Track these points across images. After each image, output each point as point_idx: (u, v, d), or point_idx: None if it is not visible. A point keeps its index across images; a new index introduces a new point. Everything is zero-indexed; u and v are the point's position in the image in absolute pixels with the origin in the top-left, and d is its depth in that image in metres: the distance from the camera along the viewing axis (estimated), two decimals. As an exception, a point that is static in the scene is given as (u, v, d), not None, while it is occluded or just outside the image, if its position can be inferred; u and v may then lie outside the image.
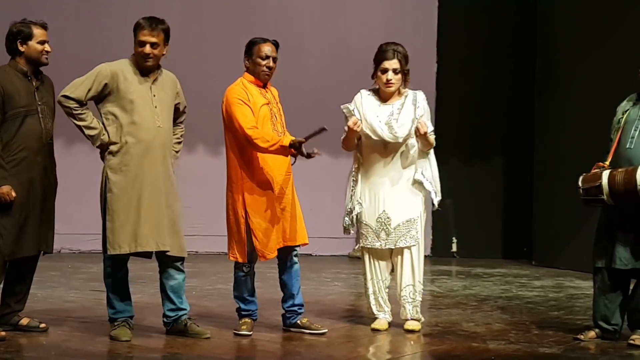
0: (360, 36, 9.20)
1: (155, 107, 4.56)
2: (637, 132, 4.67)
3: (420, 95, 4.99)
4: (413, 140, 4.94)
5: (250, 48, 4.80)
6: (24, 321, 4.65)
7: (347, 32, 9.37)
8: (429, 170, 5.03)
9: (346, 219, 5.03)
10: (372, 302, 5.00)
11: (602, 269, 4.75)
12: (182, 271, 4.70)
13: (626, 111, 4.78)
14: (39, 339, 4.54)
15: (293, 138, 4.64)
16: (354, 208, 4.98)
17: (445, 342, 4.72)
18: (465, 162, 9.68)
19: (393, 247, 4.93)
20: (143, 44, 4.53)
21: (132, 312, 4.66)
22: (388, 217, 4.92)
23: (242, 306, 4.86)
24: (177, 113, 4.81)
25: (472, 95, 9.60)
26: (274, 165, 4.75)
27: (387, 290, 5.03)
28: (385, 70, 4.89)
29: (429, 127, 4.91)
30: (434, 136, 4.99)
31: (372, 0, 9.61)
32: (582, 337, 4.79)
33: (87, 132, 4.53)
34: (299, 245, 4.89)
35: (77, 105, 4.50)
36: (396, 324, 5.04)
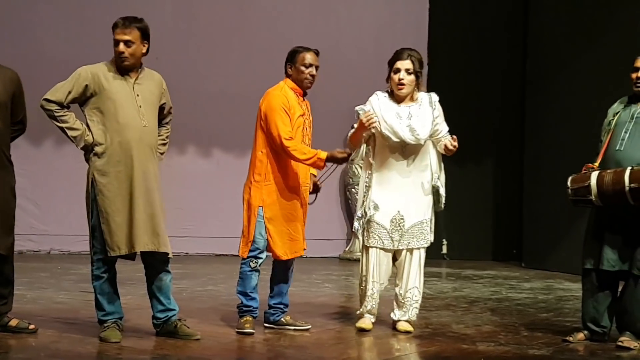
0: (352, 38, 9.22)
1: (140, 106, 4.53)
2: (627, 134, 4.69)
3: (435, 97, 5.00)
4: (430, 142, 4.95)
5: (294, 56, 4.88)
6: (13, 322, 4.61)
7: (338, 34, 9.38)
8: (443, 175, 5.07)
9: (356, 224, 5.05)
10: (368, 301, 4.97)
11: (591, 271, 4.77)
12: (169, 272, 4.69)
13: (617, 113, 4.80)
14: (28, 340, 4.51)
15: (329, 152, 4.73)
16: (368, 211, 4.96)
17: (435, 344, 4.73)
18: (455, 164, 9.64)
19: (405, 248, 4.93)
20: (117, 42, 4.51)
21: (121, 314, 4.65)
22: (402, 218, 4.93)
23: (244, 301, 4.87)
24: (162, 114, 4.75)
25: (462, 97, 9.62)
26: (302, 175, 4.86)
27: (380, 293, 5.03)
28: (397, 70, 4.89)
29: (445, 130, 4.96)
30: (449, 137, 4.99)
31: (364, 3, 9.63)
32: (570, 339, 4.80)
33: (70, 133, 4.49)
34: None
35: (57, 108, 4.46)
36: (385, 325, 5.04)
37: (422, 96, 4.98)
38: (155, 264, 4.62)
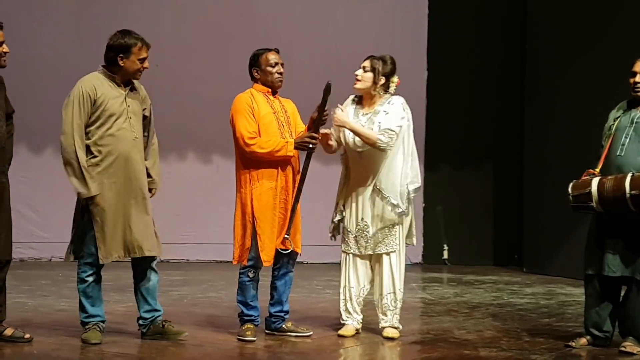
0: (351, 44, 9.22)
1: (130, 118, 4.64)
2: (628, 140, 4.69)
3: (396, 100, 4.93)
4: (397, 149, 4.92)
5: (257, 59, 4.90)
6: (8, 331, 4.59)
7: (337, 39, 9.39)
8: (386, 177, 4.91)
9: (331, 226, 5.11)
10: (342, 307, 5.04)
11: (593, 276, 4.76)
12: (157, 272, 4.79)
13: (617, 118, 4.80)
14: (30, 348, 4.50)
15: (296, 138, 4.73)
16: (335, 217, 5.06)
17: (436, 350, 4.72)
18: (455, 169, 9.71)
19: (372, 253, 4.95)
20: (144, 60, 4.66)
21: (103, 317, 4.74)
22: (366, 224, 4.96)
23: (245, 311, 4.87)
24: (145, 121, 4.80)
25: (462, 101, 9.64)
26: (281, 175, 4.84)
27: (361, 298, 5.03)
28: (359, 68, 4.98)
29: (387, 124, 4.82)
30: (383, 136, 4.79)
31: (362, 8, 9.64)
32: (573, 344, 4.79)
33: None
34: (297, 254, 4.97)
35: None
36: (376, 331, 5.04)
37: (385, 102, 4.93)
38: (145, 264, 4.73)
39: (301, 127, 4.99)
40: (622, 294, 4.82)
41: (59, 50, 8.86)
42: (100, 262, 4.61)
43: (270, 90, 4.91)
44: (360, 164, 4.96)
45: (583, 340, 4.80)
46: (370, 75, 4.92)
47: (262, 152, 4.74)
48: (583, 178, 4.74)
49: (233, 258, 4.91)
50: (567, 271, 8.08)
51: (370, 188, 4.96)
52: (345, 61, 9.33)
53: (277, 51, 4.94)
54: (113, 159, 4.58)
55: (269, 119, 4.83)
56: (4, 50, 4.46)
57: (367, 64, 4.95)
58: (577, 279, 7.98)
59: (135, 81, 4.75)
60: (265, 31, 9.17)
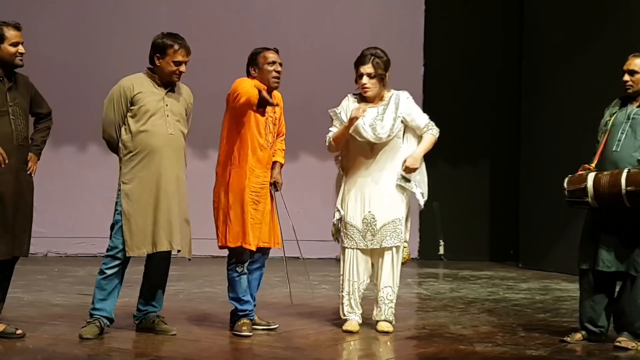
0: (347, 40, 9.21)
1: (167, 115, 4.72)
2: (624, 135, 4.70)
3: (403, 95, 5.05)
4: (399, 141, 5.01)
5: (255, 58, 4.91)
6: (0, 327, 4.59)
7: (334, 35, 9.39)
8: (421, 174, 5.13)
9: (333, 229, 5.11)
10: (345, 302, 5.03)
11: (587, 271, 4.77)
12: (167, 271, 4.88)
13: (613, 114, 4.81)
14: (25, 343, 4.50)
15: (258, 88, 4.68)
16: (334, 215, 5.07)
17: (432, 345, 4.73)
18: (452, 165, 9.71)
19: (378, 247, 4.95)
20: (180, 63, 4.74)
21: (110, 314, 4.75)
22: (374, 218, 4.96)
23: (239, 306, 4.88)
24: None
25: (458, 97, 9.64)
26: (257, 173, 4.85)
27: (361, 293, 5.05)
28: (361, 75, 4.97)
29: (424, 120, 5.04)
30: (432, 131, 5.06)
31: (359, 4, 9.64)
32: (568, 339, 4.81)
33: None
34: (268, 250, 4.99)
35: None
36: (372, 326, 5.05)
37: (391, 96, 5.03)
38: (158, 261, 4.81)
39: (282, 125, 5.02)
40: (617, 289, 4.83)
41: (56, 46, 8.84)
42: (127, 254, 4.66)
43: (265, 88, 4.88)
44: (371, 157, 4.97)
45: (578, 336, 4.81)
46: (375, 80, 4.95)
47: (241, 100, 4.60)
48: (579, 173, 4.75)
49: (218, 240, 4.92)
50: (563, 267, 8.10)
51: (380, 181, 4.97)
52: (342, 56, 9.32)
53: (277, 51, 4.95)
54: (145, 153, 4.66)
55: (259, 119, 4.83)
56: (20, 50, 4.50)
57: (370, 69, 4.93)
58: (572, 274, 7.97)
59: (179, 83, 4.85)
60: (262, 26, 9.17)
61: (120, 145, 4.72)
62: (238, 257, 4.85)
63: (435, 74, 9.63)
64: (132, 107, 4.68)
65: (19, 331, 4.61)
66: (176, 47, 4.70)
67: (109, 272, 4.70)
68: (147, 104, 4.68)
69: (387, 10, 9.65)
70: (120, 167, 4.75)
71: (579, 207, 4.80)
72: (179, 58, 4.72)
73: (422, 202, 5.12)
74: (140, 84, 4.72)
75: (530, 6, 9.20)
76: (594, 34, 8.13)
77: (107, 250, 4.73)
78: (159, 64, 4.72)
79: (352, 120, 4.88)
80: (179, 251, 4.80)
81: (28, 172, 4.61)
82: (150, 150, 4.66)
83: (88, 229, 8.77)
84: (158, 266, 4.84)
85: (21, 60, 4.52)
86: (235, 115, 4.81)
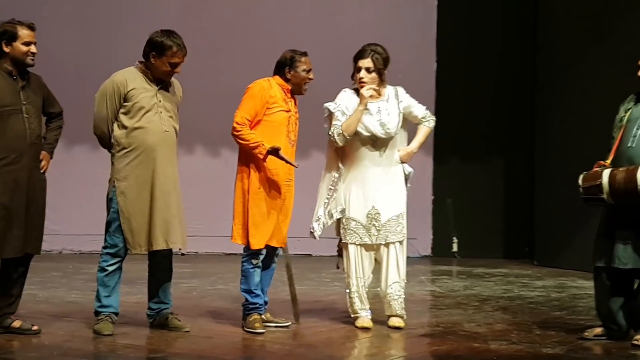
0: (359, 35, 9.12)
1: (161, 112, 4.71)
2: (640, 131, 4.66)
3: (401, 90, 5.09)
4: (399, 136, 5.05)
5: (294, 61, 4.93)
6: (16, 324, 4.62)
7: (345, 31, 9.35)
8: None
9: (315, 225, 5.04)
10: (356, 300, 5.02)
11: (603, 269, 4.73)
12: (171, 268, 4.90)
13: (629, 109, 4.77)
14: (41, 339, 4.52)
15: (274, 146, 4.75)
16: (334, 213, 5.02)
17: (446, 343, 4.70)
18: (465, 161, 9.67)
19: (383, 242, 4.94)
20: (176, 65, 4.70)
21: (117, 309, 4.79)
22: (378, 213, 4.96)
23: (250, 299, 4.88)
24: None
25: (472, 93, 9.58)
26: (280, 169, 4.85)
27: (367, 288, 5.05)
28: (359, 69, 4.98)
29: (421, 110, 5.11)
30: (429, 122, 5.13)
31: (370, 1, 9.59)
32: (587, 334, 4.77)
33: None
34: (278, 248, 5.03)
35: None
36: (383, 323, 5.03)
37: (389, 91, 5.05)
38: (160, 258, 4.83)
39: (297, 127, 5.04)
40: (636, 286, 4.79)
41: (64, 44, 8.86)
42: (130, 252, 4.69)
43: (289, 89, 4.92)
44: (373, 152, 4.97)
45: (597, 330, 4.77)
46: (374, 75, 4.96)
47: (241, 142, 4.79)
48: (594, 170, 4.72)
49: (232, 236, 4.93)
50: (579, 264, 8.04)
51: (383, 176, 4.98)
52: (352, 53, 9.34)
53: (306, 55, 5.01)
54: (141, 151, 4.66)
55: (282, 117, 4.86)
56: (32, 50, 4.51)
57: (369, 63, 4.95)
58: (588, 271, 7.89)
59: (173, 79, 4.82)
60: (272, 24, 9.16)
61: (112, 141, 4.70)
62: (254, 250, 4.84)
63: (448, 70, 9.58)
64: (125, 104, 4.66)
65: (34, 327, 4.64)
66: (174, 49, 4.66)
67: (110, 268, 4.73)
68: (141, 100, 4.66)
69: (399, 5, 9.60)
70: (113, 163, 4.73)
71: (594, 204, 4.76)
72: (176, 60, 4.69)
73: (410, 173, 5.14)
74: (133, 80, 4.68)
75: (545, 1, 9.14)
76: (609, 29, 8.06)
77: (105, 247, 4.73)
78: (154, 62, 4.68)
79: (365, 100, 4.87)
80: (183, 254, 4.82)
81: (41, 171, 4.62)
82: (146, 147, 4.65)
83: (102, 226, 8.72)
84: (162, 264, 4.85)
85: (32, 59, 4.52)
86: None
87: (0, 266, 4.59)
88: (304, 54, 4.96)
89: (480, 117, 9.57)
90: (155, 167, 4.67)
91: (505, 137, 9.70)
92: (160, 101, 4.71)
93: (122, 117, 4.67)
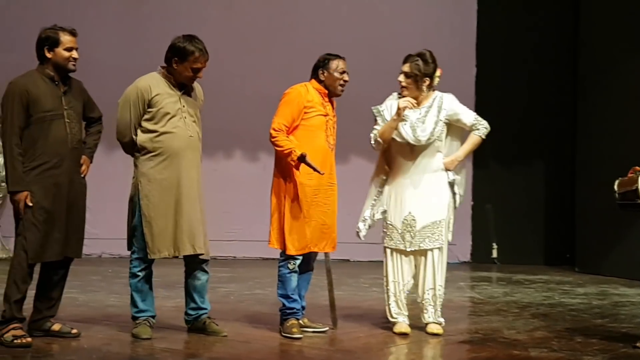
0: (398, 40, 9.14)
1: (185, 117, 4.72)
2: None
3: (447, 97, 5.02)
4: (441, 144, 4.99)
5: (328, 63, 4.94)
6: (56, 327, 4.67)
7: (383, 36, 9.33)
8: (462, 175, 5.12)
9: (360, 224, 5.06)
10: (393, 304, 5.00)
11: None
12: (207, 272, 4.88)
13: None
14: (80, 343, 4.57)
15: (302, 152, 4.74)
16: (376, 214, 5.03)
17: (485, 349, 4.65)
18: (506, 167, 9.57)
19: (417, 249, 4.91)
20: (198, 70, 4.70)
21: (153, 312, 4.81)
22: (413, 219, 4.94)
23: (287, 304, 4.88)
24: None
25: (512, 98, 9.49)
26: (316, 173, 4.82)
27: (407, 294, 5.01)
28: (400, 73, 4.98)
29: (470, 118, 5.00)
30: (479, 131, 5.01)
31: (410, 3, 9.56)
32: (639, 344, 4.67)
33: None
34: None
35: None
36: (422, 329, 4.99)
37: (433, 99, 5.00)
38: (194, 264, 4.81)
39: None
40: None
41: (110, 50, 8.98)
42: (149, 257, 4.68)
43: (327, 92, 4.93)
44: (411, 158, 4.95)
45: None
46: (411, 80, 4.94)
47: (276, 148, 4.79)
48: (629, 175, 4.65)
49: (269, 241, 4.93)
50: (621, 271, 7.90)
51: (420, 182, 4.95)
52: (391, 57, 9.24)
53: (344, 59, 5.01)
54: (166, 156, 4.67)
55: (320, 121, 4.87)
56: (73, 55, 4.56)
57: (407, 68, 4.95)
58: (631, 278, 7.80)
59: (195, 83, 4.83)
60: (310, 28, 9.17)
61: (137, 146, 4.70)
62: (291, 254, 4.83)
63: (488, 75, 9.50)
64: (149, 110, 4.67)
65: (74, 330, 4.68)
66: (197, 54, 4.67)
67: (141, 274, 4.75)
68: (166, 106, 4.67)
69: (438, 10, 9.55)
70: (137, 166, 4.74)
71: (631, 210, 4.70)
72: (199, 65, 4.70)
73: (457, 203, 5.07)
74: (156, 85, 4.70)
75: (586, 5, 9.01)
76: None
77: (133, 252, 4.74)
78: (176, 67, 4.70)
79: (400, 111, 4.85)
80: (202, 259, 4.77)
81: (81, 175, 4.67)
82: (172, 152, 4.66)
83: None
84: (196, 269, 4.82)
85: (74, 65, 4.57)
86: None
87: (41, 269, 4.66)
88: (338, 56, 4.95)
89: (520, 122, 9.47)
90: (181, 172, 4.68)
91: (546, 142, 9.58)
92: (184, 106, 4.73)
93: (146, 123, 4.68)
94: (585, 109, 8.92)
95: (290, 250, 4.81)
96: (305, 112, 4.83)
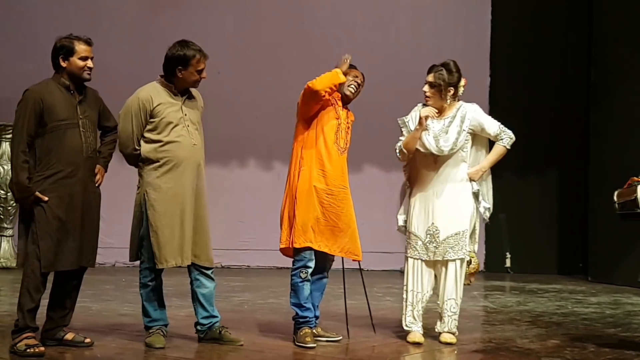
0: (412, 50, 9.18)
1: (188, 125, 4.74)
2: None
3: (470, 107, 5.03)
4: (464, 154, 4.97)
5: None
6: (69, 336, 4.68)
7: (398, 46, 9.36)
8: (487, 186, 5.16)
9: (400, 217, 5.12)
10: (408, 313, 5.00)
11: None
12: (213, 279, 4.87)
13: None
14: (93, 352, 4.58)
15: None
16: (398, 220, 5.08)
17: (499, 358, 4.64)
18: (519, 176, 9.55)
19: (441, 259, 4.91)
20: (201, 71, 4.74)
21: (166, 321, 4.82)
22: (437, 229, 4.93)
23: (300, 312, 4.88)
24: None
25: (526, 107, 9.49)
26: (329, 172, 4.85)
27: (424, 304, 5.01)
28: (425, 83, 4.99)
29: (494, 127, 5.02)
30: (504, 141, 5.03)
31: (424, 14, 9.59)
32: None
33: None
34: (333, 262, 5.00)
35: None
36: (435, 338, 4.98)
37: (458, 109, 5.01)
38: (201, 272, 4.81)
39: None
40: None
41: (124, 59, 9.04)
42: (157, 267, 4.68)
43: (340, 97, 4.96)
44: (435, 169, 4.96)
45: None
46: (435, 90, 4.95)
47: (319, 81, 4.74)
48: (627, 186, 4.67)
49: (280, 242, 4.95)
50: (634, 280, 7.86)
51: (443, 193, 4.95)
52: (406, 66, 9.34)
53: (356, 68, 5.05)
54: (172, 165, 4.68)
55: (332, 124, 4.89)
56: (88, 64, 4.59)
57: (431, 78, 4.96)
58: (645, 288, 7.77)
59: (192, 89, 4.84)
60: (326, 38, 9.20)
61: (141, 157, 4.71)
62: (303, 262, 4.84)
63: (502, 85, 9.50)
64: (152, 120, 4.68)
65: (87, 340, 4.69)
66: (198, 56, 4.70)
67: (151, 284, 4.75)
68: (168, 115, 4.69)
69: (452, 20, 9.57)
70: (142, 175, 4.74)
71: (632, 219, 4.72)
72: (202, 66, 4.73)
73: (487, 216, 5.09)
74: (158, 95, 4.72)
75: (599, 15, 9.00)
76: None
77: (142, 262, 4.74)
78: (181, 76, 4.71)
79: (422, 120, 4.86)
80: (207, 267, 4.78)
81: (96, 184, 4.70)
82: (177, 161, 4.67)
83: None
84: (203, 278, 4.82)
85: (89, 74, 4.59)
86: (306, 119, 4.88)
87: (55, 278, 4.68)
88: (352, 66, 4.98)
89: (533, 132, 9.46)
90: (186, 181, 4.69)
91: (559, 151, 9.57)
92: (185, 114, 4.74)
93: (149, 134, 4.69)
94: (598, 118, 8.91)
95: (297, 243, 4.79)
96: (322, 108, 4.84)
